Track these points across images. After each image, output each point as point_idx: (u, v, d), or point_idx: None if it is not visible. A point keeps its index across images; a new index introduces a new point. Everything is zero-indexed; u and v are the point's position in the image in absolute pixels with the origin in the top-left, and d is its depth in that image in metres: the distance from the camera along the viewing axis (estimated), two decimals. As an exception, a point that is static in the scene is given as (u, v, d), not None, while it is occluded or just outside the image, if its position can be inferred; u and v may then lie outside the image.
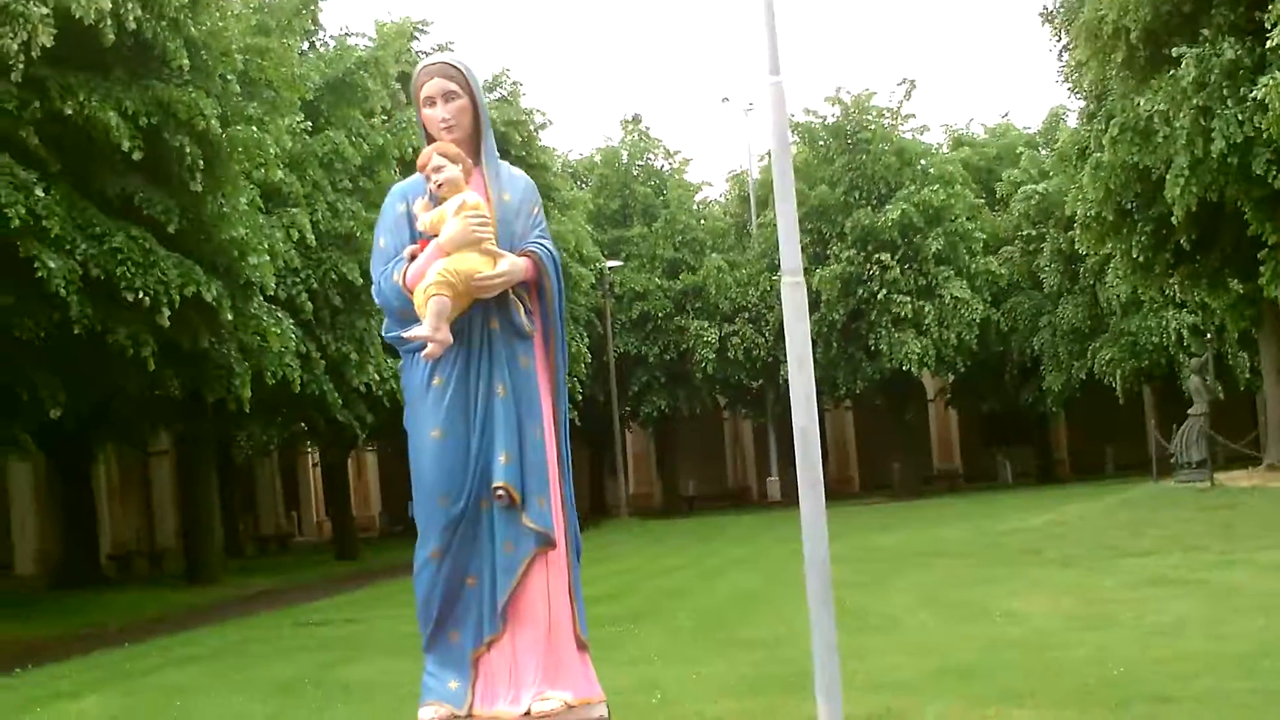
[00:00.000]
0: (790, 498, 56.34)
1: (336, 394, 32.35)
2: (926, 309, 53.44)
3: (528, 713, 6.24)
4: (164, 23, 21.58)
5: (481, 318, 6.40)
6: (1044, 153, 57.42)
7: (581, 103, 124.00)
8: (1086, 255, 44.22)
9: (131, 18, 20.56)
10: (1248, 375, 48.35)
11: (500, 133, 36.41)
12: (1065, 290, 53.51)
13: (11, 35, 19.13)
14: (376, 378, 33.27)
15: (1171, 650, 10.81)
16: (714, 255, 58.56)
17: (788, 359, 8.51)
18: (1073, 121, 47.93)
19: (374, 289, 6.63)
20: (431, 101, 6.59)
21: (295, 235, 27.97)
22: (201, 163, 22.21)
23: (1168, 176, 29.64)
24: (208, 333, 24.40)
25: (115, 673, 16.14)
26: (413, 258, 6.44)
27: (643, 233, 59.20)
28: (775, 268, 53.79)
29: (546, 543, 6.34)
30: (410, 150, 34.52)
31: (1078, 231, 37.49)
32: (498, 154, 6.81)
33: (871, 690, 9.96)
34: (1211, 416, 34.42)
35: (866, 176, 55.34)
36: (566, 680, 6.34)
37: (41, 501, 42.28)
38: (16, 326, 20.77)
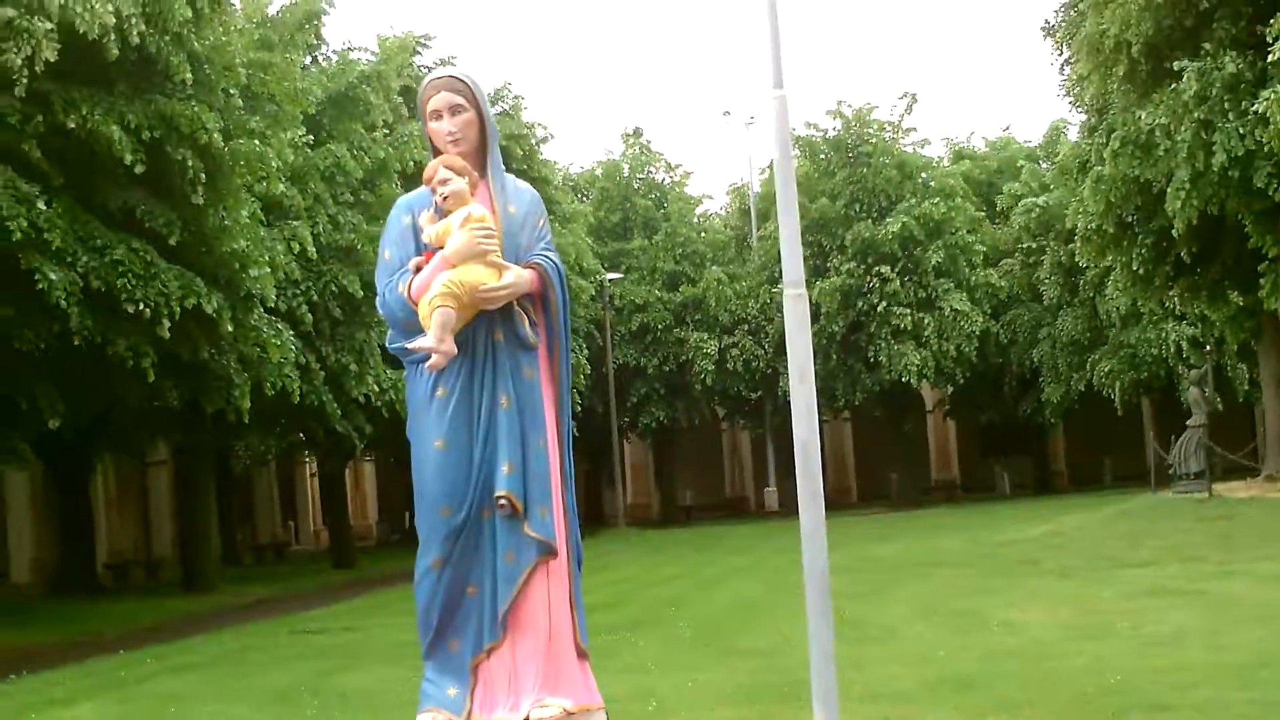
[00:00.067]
0: (788, 508, 56.37)
1: (335, 405, 32.42)
2: (926, 321, 53.53)
3: (526, 719, 6.30)
4: (167, 37, 21.64)
5: (486, 329, 6.43)
6: (1044, 166, 57.61)
7: (583, 116, 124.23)
8: (1086, 268, 44.33)
9: (135, 32, 20.60)
10: (1246, 387, 48.44)
11: (501, 146, 36.55)
12: (1065, 303, 53.60)
13: (15, 50, 19.18)
14: (375, 389, 33.34)
15: (1170, 660, 10.84)
16: (714, 268, 58.70)
17: (789, 371, 8.55)
18: (1074, 135, 48.04)
19: (379, 300, 6.66)
20: (438, 115, 6.63)
21: (296, 248, 28.02)
22: (203, 176, 22.26)
23: (1168, 190, 29.71)
24: (208, 344, 24.44)
25: (111, 680, 16.14)
26: (418, 269, 6.47)
27: (643, 245, 59.30)
28: (775, 280, 53.93)
29: (548, 552, 6.36)
30: (411, 164, 34.63)
31: (1078, 244, 37.57)
32: (503, 167, 6.86)
33: (869, 700, 9.98)
34: (1210, 428, 34.48)
35: (867, 189, 55.48)
36: (566, 688, 6.36)
37: (39, 510, 42.21)
38: (17, 338, 20.82)
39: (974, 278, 55.06)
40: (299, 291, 30.17)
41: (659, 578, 26.45)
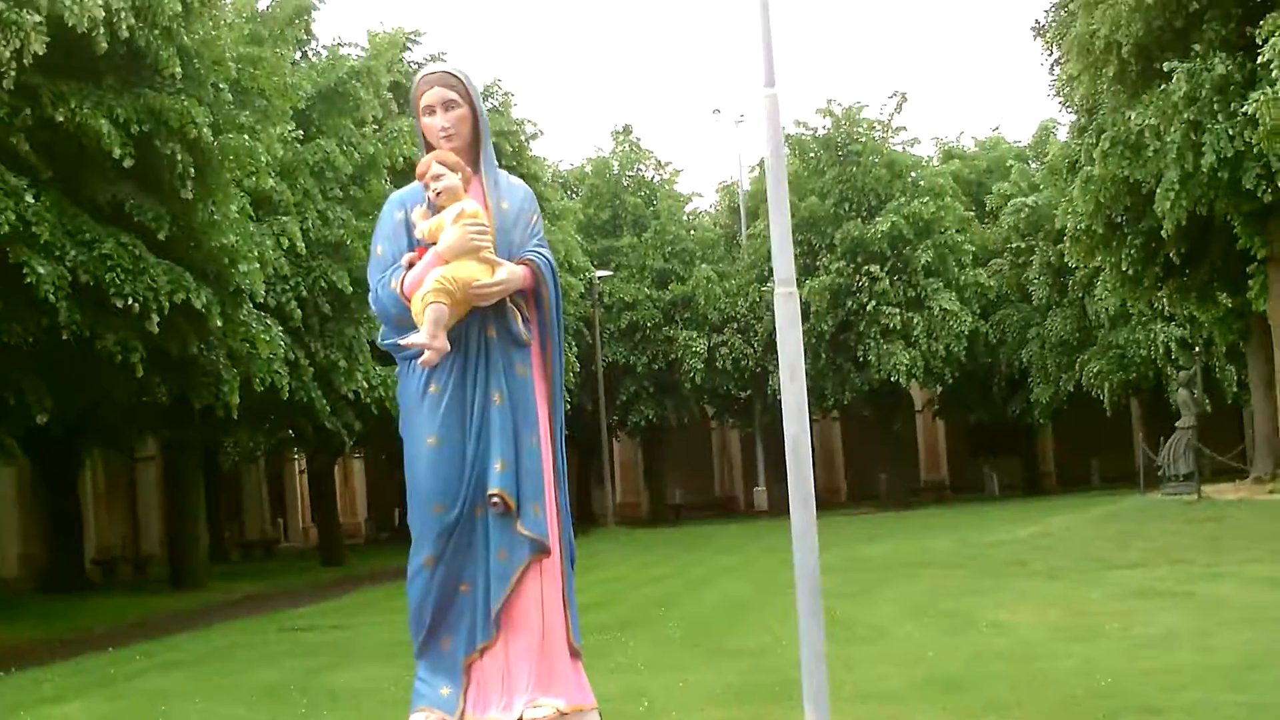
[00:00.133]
0: (777, 508, 56.42)
1: (324, 401, 32.36)
2: (915, 320, 53.54)
3: (520, 719, 6.26)
4: (157, 31, 21.58)
5: (479, 325, 6.42)
6: (1034, 166, 57.62)
7: (572, 113, 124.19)
8: (1075, 268, 44.34)
9: (124, 26, 20.54)
10: (1235, 389, 48.51)
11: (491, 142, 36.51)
12: (1054, 303, 53.62)
13: (4, 42, 19.11)
14: (365, 385, 33.30)
15: (1159, 662, 10.83)
16: (703, 266, 58.65)
17: (780, 369, 8.53)
18: (1063, 135, 48.11)
19: (371, 296, 6.64)
20: (431, 110, 6.62)
21: (285, 243, 27.94)
22: (192, 170, 22.21)
23: (1158, 190, 29.73)
24: (196, 339, 24.39)
25: (99, 678, 16.09)
26: (410, 265, 6.46)
27: (632, 243, 59.27)
28: (764, 279, 53.93)
29: (541, 550, 6.35)
30: (401, 160, 34.60)
31: (1067, 244, 37.59)
32: (496, 163, 6.84)
33: (859, 700, 9.96)
34: (1199, 429, 34.51)
35: (857, 188, 55.47)
36: (559, 687, 6.34)
37: (26, 506, 42.16)
38: (5, 332, 20.73)
39: (963, 277, 55.07)
40: (288, 287, 30.11)
41: (648, 577, 26.42)
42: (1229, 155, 27.52)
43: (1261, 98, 25.59)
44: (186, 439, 34.34)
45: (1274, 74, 25.33)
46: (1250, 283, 31.22)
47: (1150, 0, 28.72)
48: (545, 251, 6.70)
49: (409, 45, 46.97)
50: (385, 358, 33.31)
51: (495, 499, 6.28)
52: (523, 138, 52.63)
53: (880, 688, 10.53)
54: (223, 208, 23.93)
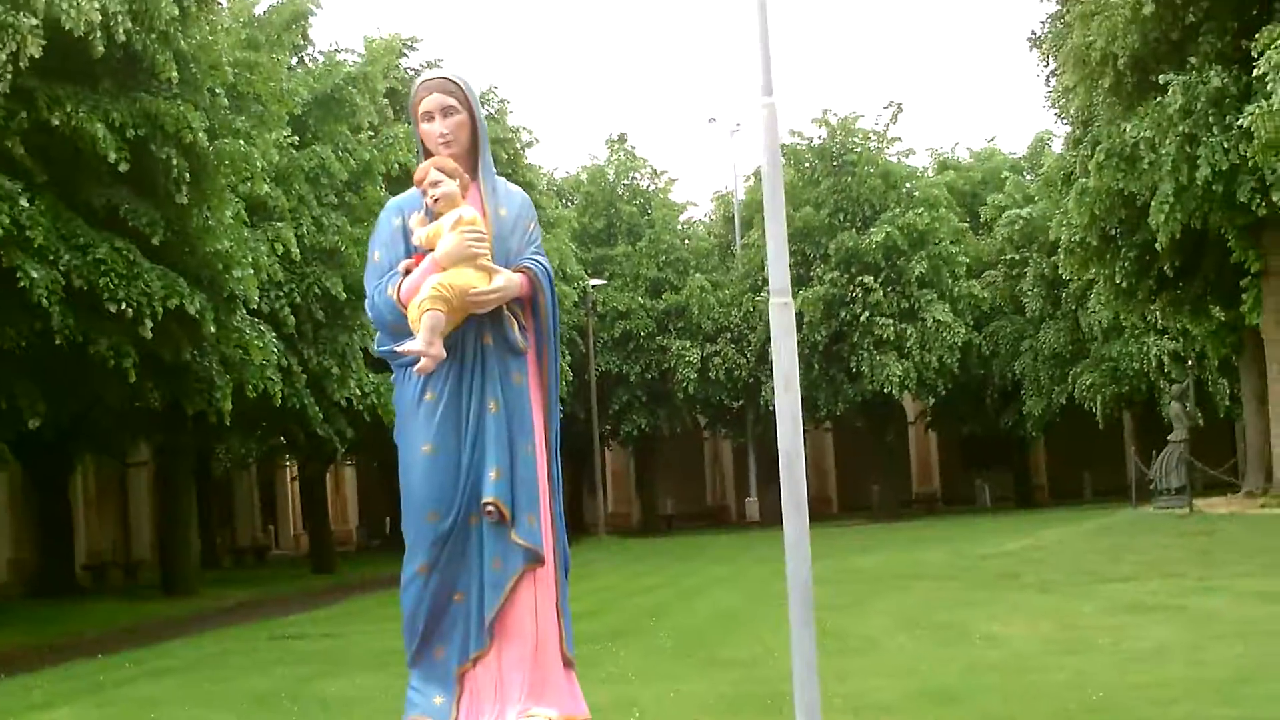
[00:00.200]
0: (769, 518, 56.43)
1: (317, 408, 32.32)
2: (909, 332, 53.60)
3: (513, 728, 6.24)
4: (153, 35, 21.57)
5: (475, 333, 6.39)
6: (1029, 178, 57.76)
7: (568, 121, 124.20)
8: (1069, 280, 44.45)
9: (121, 30, 20.53)
10: (1228, 403, 48.54)
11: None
12: (1047, 315, 53.72)
13: (0, 46, 19.11)
14: (358, 392, 33.26)
15: (1151, 676, 10.81)
16: (697, 275, 58.68)
17: (774, 379, 8.50)
18: (1058, 147, 48.15)
19: (368, 302, 6.62)
20: (430, 116, 6.59)
21: (280, 249, 27.94)
22: (188, 175, 22.18)
23: (1152, 203, 29.77)
24: (190, 345, 24.36)
25: (89, 684, 16.03)
26: (407, 272, 6.44)
27: (627, 252, 59.30)
28: (758, 288, 54.01)
29: (535, 559, 6.32)
30: (397, 166, 34.59)
31: (1061, 256, 37.64)
32: (494, 170, 6.82)
33: (851, 713, 9.93)
34: (1191, 443, 34.54)
35: (851, 199, 55.55)
36: (552, 697, 6.32)
37: (17, 510, 42.05)
38: (-3, 336, 20.73)
39: (957, 289, 55.16)
40: (282, 293, 30.09)
41: (640, 587, 26.38)
42: (1224, 168, 27.56)
43: (1256, 111, 25.62)
44: (179, 445, 34.28)
45: (1269, 87, 25.37)
46: (1244, 296, 31.26)
47: (1146, 13, 28.76)
48: (543, 259, 6.68)
49: (405, 52, 47.00)
50: (378, 365, 33.49)
51: (490, 507, 6.26)
52: (518, 145, 52.65)
53: (873, 700, 10.50)
54: (217, 213, 23.91)
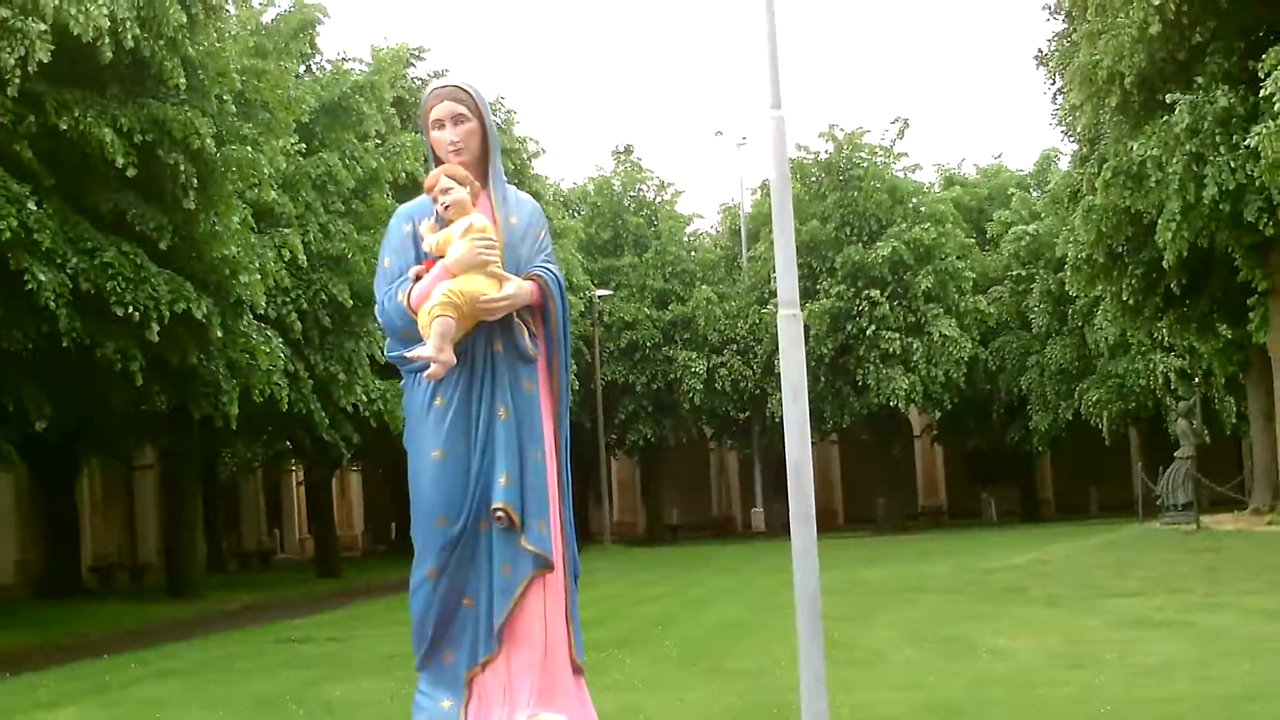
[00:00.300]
0: (774, 529, 56.50)
1: (323, 413, 32.32)
2: (915, 346, 53.59)
3: (521, 733, 6.23)
4: (162, 41, 21.59)
5: (485, 340, 6.40)
6: (1035, 194, 57.79)
7: (575, 132, 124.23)
8: (1076, 297, 44.45)
9: (129, 36, 20.55)
10: (1234, 420, 48.50)
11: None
12: (1053, 331, 53.70)
13: (9, 50, 19.14)
14: (364, 399, 33.25)
15: (1158, 692, 10.79)
16: (703, 287, 58.68)
17: (782, 390, 8.53)
18: (1065, 164, 48.17)
19: (378, 308, 6.62)
20: (440, 124, 6.60)
21: (286, 255, 27.93)
22: (195, 181, 22.20)
23: (1159, 221, 29.74)
24: (196, 349, 24.36)
25: (94, 684, 16.05)
26: (418, 278, 6.45)
27: (633, 263, 59.31)
28: (764, 301, 54.03)
29: (545, 565, 6.33)
30: (403, 175, 34.63)
31: (1068, 273, 37.62)
32: (505, 178, 6.83)
33: (858, 724, 9.94)
34: (1198, 460, 34.52)
35: (858, 213, 55.55)
36: (561, 703, 6.32)
37: (24, 512, 42.15)
38: (5, 338, 20.71)
39: (963, 304, 55.15)
40: (289, 299, 30.07)
41: (645, 596, 26.38)
42: (1231, 187, 27.54)
43: (1264, 131, 25.61)
44: (185, 448, 34.27)
45: (1276, 107, 25.37)
46: (1250, 315, 31.23)
47: (1153, 32, 28.75)
48: (553, 267, 6.69)
49: (413, 61, 47.06)
50: (384, 371, 33.52)
51: (499, 513, 6.26)
52: (525, 156, 52.69)
53: (880, 712, 10.50)
54: (224, 219, 23.93)
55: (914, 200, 57.01)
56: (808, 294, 53.29)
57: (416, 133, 36.87)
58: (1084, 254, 34.88)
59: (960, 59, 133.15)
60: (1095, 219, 32.81)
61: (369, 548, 63.30)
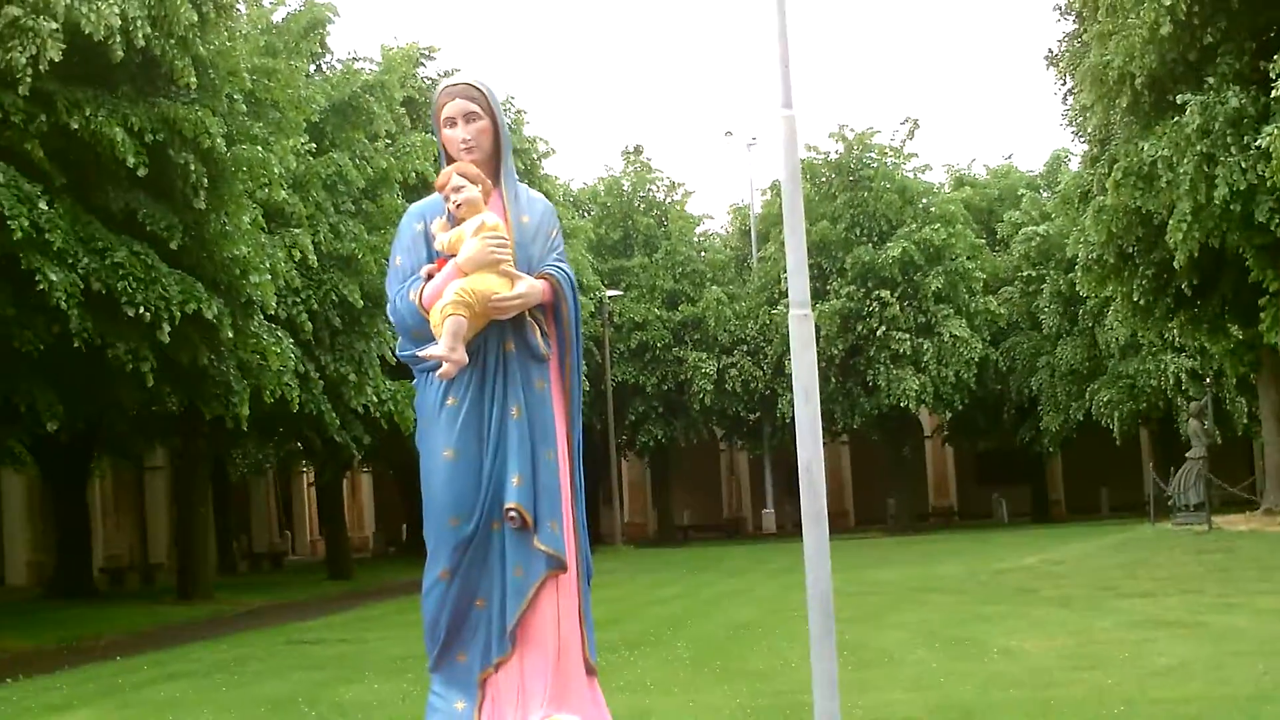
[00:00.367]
0: (785, 530, 56.49)
1: (334, 414, 32.29)
2: (925, 346, 53.54)
3: (535, 734, 6.20)
4: (172, 41, 21.57)
5: (497, 339, 6.38)
6: (1045, 195, 57.68)
7: (585, 132, 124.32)
8: (1086, 297, 44.35)
9: (140, 35, 20.55)
10: (1245, 421, 48.38)
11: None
12: (1064, 331, 53.64)
13: (20, 49, 19.16)
14: (374, 399, 33.20)
15: (1172, 692, 10.76)
16: (714, 287, 58.66)
17: (794, 390, 8.51)
18: (1075, 165, 48.05)
19: (389, 307, 6.60)
20: (452, 122, 6.57)
21: (297, 255, 27.93)
22: (205, 180, 22.19)
23: (1170, 222, 29.69)
24: (207, 350, 24.34)
25: (107, 686, 16.07)
26: (429, 277, 6.43)
27: (643, 263, 59.29)
28: (774, 301, 54.02)
29: (558, 566, 6.30)
30: (413, 175, 34.61)
31: (1078, 274, 37.57)
32: (517, 177, 6.80)
33: (870, 725, 9.93)
34: (1209, 460, 34.45)
35: (868, 213, 55.49)
36: (574, 704, 6.29)
37: (35, 513, 42.25)
38: (16, 338, 20.71)
39: (973, 304, 55.09)
40: (299, 300, 30.02)
41: (656, 597, 26.37)
42: (1242, 188, 27.50)
43: (1275, 131, 25.59)
44: (196, 450, 34.28)
45: (1288, 108, 25.35)
46: (1262, 315, 31.14)
47: (1164, 33, 28.70)
48: (565, 266, 6.67)
49: (423, 61, 47.02)
50: (395, 372, 33.50)
51: (512, 513, 6.24)
52: (535, 156, 52.63)
53: (892, 713, 10.48)
54: (235, 219, 23.92)
55: (924, 201, 56.95)
56: (818, 295, 53.24)
57: (427, 132, 36.87)
58: (1094, 254, 34.81)
59: (971, 59, 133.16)
60: (1106, 219, 32.75)
61: (380, 549, 63.31)
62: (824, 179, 57.33)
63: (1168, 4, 27.99)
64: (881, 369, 53.89)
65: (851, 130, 57.16)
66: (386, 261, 6.83)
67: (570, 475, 6.54)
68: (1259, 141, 26.45)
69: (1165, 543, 29.28)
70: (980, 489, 66.83)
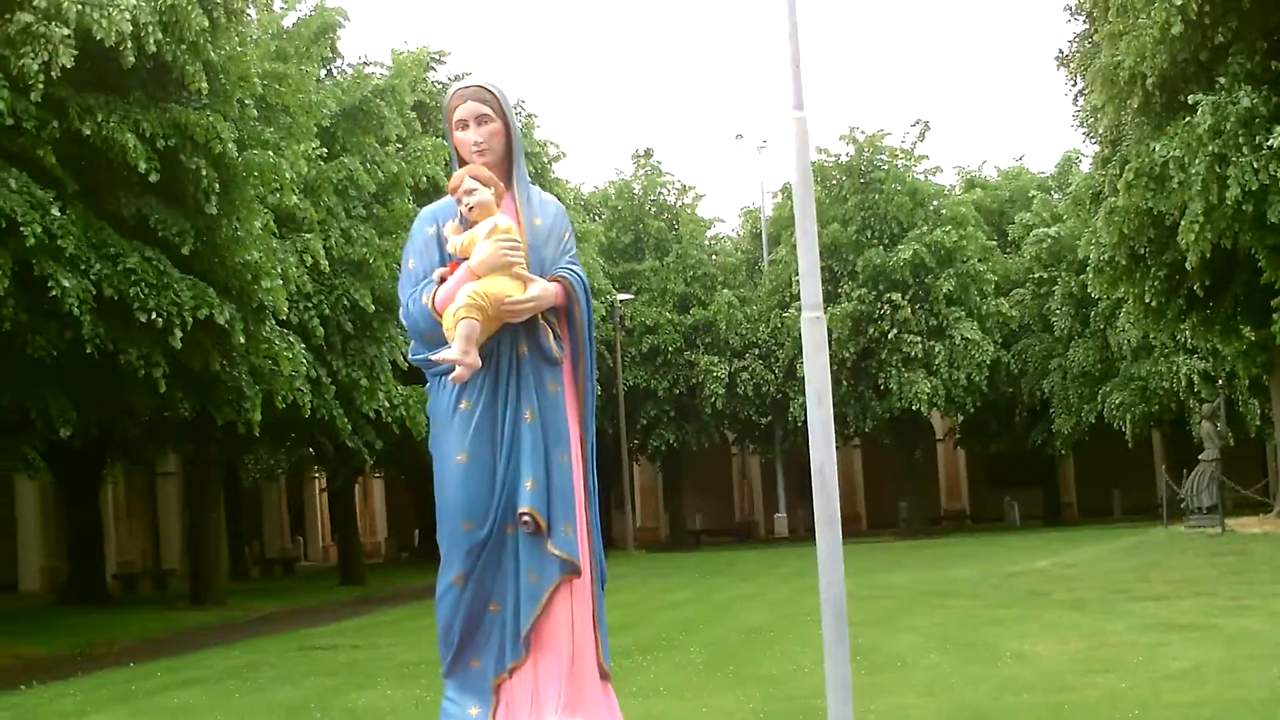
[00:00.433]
0: (797, 534, 56.44)
1: (346, 419, 32.31)
2: (937, 349, 53.48)
3: (549, 740, 6.18)
4: (183, 46, 21.61)
5: (510, 342, 6.36)
6: (1056, 196, 57.59)
7: (595, 136, 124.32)
8: (1098, 299, 44.27)
9: (152, 40, 20.58)
10: (1258, 422, 48.23)
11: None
12: (1076, 333, 53.54)
13: (32, 55, 19.20)
14: (386, 404, 33.19)
15: (1186, 696, 10.73)
16: (725, 291, 58.68)
17: (807, 393, 8.48)
18: (1086, 166, 47.98)
19: (402, 311, 6.58)
20: (464, 124, 6.56)
21: (308, 260, 27.92)
22: (217, 186, 22.24)
23: (1182, 222, 29.60)
24: (219, 355, 24.38)
25: (120, 693, 16.07)
26: (442, 280, 6.41)
27: (654, 267, 59.29)
28: (786, 304, 54.00)
29: (571, 570, 6.27)
30: (424, 179, 34.62)
31: (1090, 275, 37.45)
32: (529, 179, 6.79)
33: (884, 729, 9.90)
34: (1222, 462, 34.36)
35: (879, 216, 55.42)
36: (589, 709, 6.27)
37: (48, 519, 42.31)
38: (29, 344, 20.74)
39: (985, 307, 55.02)
40: (311, 305, 30.03)
41: (669, 602, 26.35)
42: (1254, 188, 27.41)
43: (1287, 132, 25.51)
44: (208, 455, 34.31)
45: (1300, 108, 25.28)
46: (1274, 316, 31.02)
47: (1175, 32, 28.62)
48: (578, 269, 6.65)
49: (433, 65, 47.03)
50: (407, 377, 33.49)
51: (526, 518, 6.21)
52: (545, 159, 52.70)
53: (906, 718, 10.46)
54: (246, 224, 23.95)
55: (935, 203, 56.90)
56: (829, 297, 53.18)
57: (437, 136, 36.89)
58: (1106, 256, 34.73)
59: (981, 61, 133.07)
60: (1117, 221, 32.66)
61: (392, 554, 63.34)
62: (835, 181, 57.28)
63: (1179, 4, 27.91)
64: (893, 372, 53.84)
65: (862, 132, 57.13)
66: (397, 266, 6.84)
67: (584, 479, 6.51)
68: (1270, 141, 26.39)
69: (1178, 545, 29.20)
70: (992, 492, 66.74)
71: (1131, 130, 32.72)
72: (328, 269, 29.57)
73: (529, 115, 53.30)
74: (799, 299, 8.68)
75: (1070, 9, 37.39)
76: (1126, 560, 27.33)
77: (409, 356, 6.79)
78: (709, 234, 64.27)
